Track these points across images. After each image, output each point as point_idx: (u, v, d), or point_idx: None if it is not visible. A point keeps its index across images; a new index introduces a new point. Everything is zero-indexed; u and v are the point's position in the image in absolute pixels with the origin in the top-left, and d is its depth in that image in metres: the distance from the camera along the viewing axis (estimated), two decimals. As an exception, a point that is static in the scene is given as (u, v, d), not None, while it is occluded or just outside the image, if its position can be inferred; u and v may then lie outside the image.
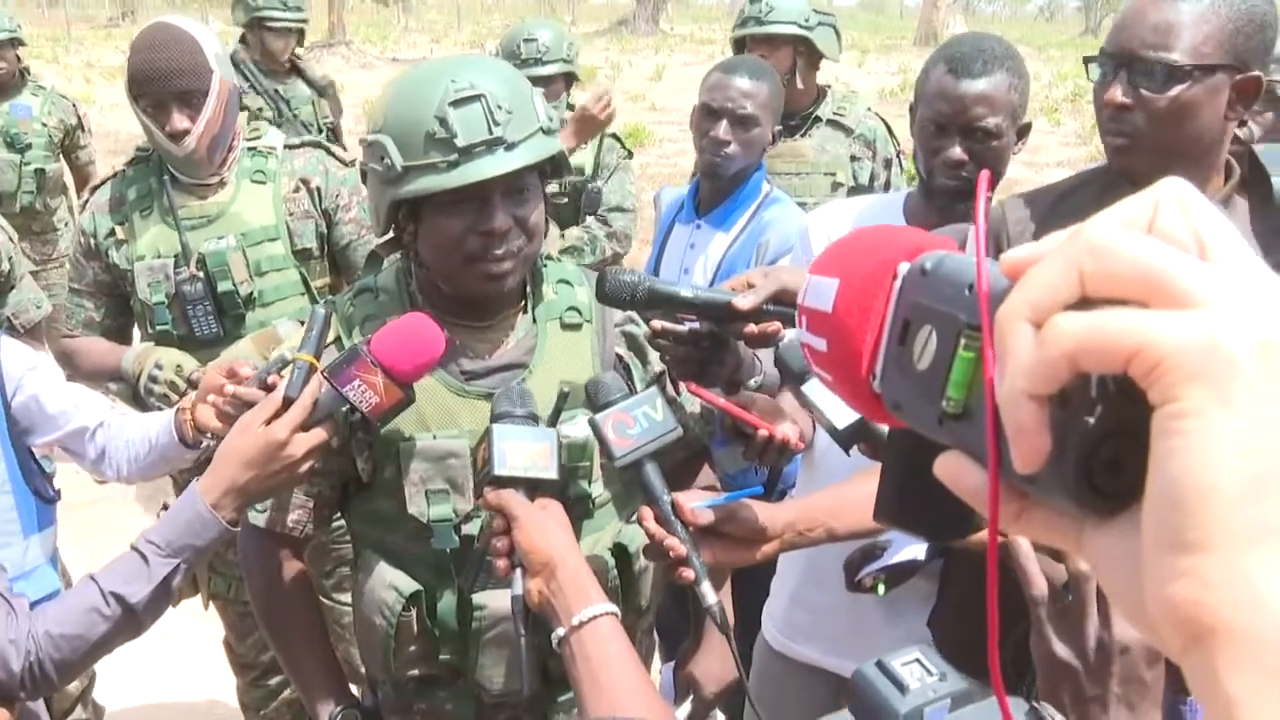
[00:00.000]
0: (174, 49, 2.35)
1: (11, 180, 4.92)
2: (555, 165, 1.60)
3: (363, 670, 1.91)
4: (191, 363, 2.39)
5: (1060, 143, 13.80)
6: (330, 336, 1.58)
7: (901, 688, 0.72)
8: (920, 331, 0.49)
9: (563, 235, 3.40)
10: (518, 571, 1.29)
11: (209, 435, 1.84)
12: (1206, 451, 0.36)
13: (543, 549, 1.26)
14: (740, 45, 3.43)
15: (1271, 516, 0.35)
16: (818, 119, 3.39)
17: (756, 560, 1.39)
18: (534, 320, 1.65)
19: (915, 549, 1.68)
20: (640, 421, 1.36)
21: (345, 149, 3.33)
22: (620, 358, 1.68)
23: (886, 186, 3.47)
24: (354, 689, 1.77)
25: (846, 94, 3.65)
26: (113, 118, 12.56)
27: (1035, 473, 0.41)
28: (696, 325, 1.53)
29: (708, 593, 1.32)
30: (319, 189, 2.58)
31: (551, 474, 1.36)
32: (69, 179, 5.28)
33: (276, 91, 4.34)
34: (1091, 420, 0.40)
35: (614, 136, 3.60)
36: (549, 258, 1.75)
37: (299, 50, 4.59)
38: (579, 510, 1.60)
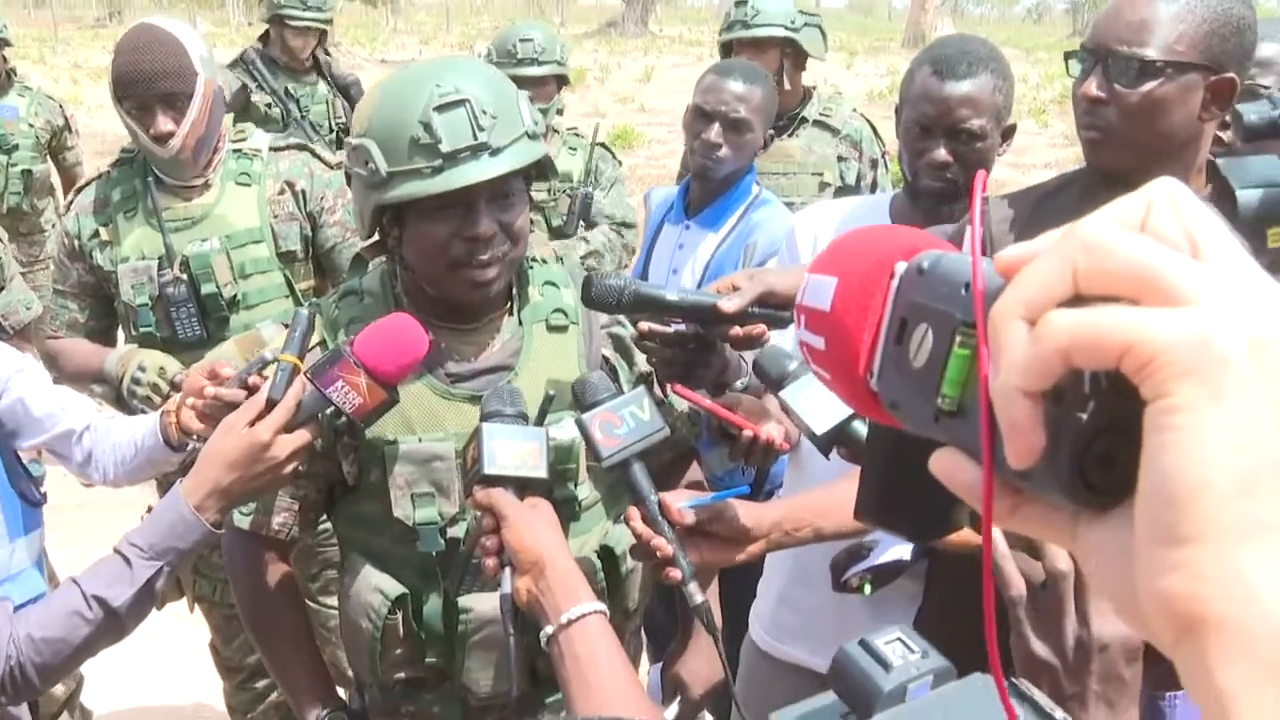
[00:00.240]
0: (158, 51, 2.34)
1: (-2, 181, 4.90)
2: (540, 169, 1.60)
3: (349, 673, 1.90)
4: (174, 365, 2.38)
5: (1047, 144, 13.85)
6: (315, 339, 1.57)
7: (885, 665, 0.73)
8: (917, 330, 0.49)
9: (585, 239, 3.41)
10: (506, 570, 1.29)
11: (194, 437, 1.83)
12: (1198, 447, 0.36)
13: (532, 548, 1.26)
14: (727, 49, 3.45)
15: (1262, 512, 0.36)
16: (804, 120, 3.41)
17: (743, 560, 1.39)
18: (520, 322, 1.65)
19: (901, 549, 1.69)
20: (627, 421, 1.36)
21: None
22: (606, 359, 1.68)
23: (873, 187, 3.48)
24: (341, 692, 1.77)
25: (832, 95, 3.67)
26: (100, 119, 12.50)
27: (1029, 468, 0.42)
28: (682, 327, 1.53)
29: (695, 592, 1.32)
30: (304, 191, 2.57)
31: (541, 473, 1.35)
32: (56, 180, 5.26)
33: (287, 90, 4.32)
34: (1085, 416, 0.40)
35: (603, 145, 3.61)
36: (535, 260, 1.75)
37: (329, 48, 4.57)
38: (566, 512, 1.60)
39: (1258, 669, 0.35)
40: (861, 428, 1.31)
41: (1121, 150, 1.57)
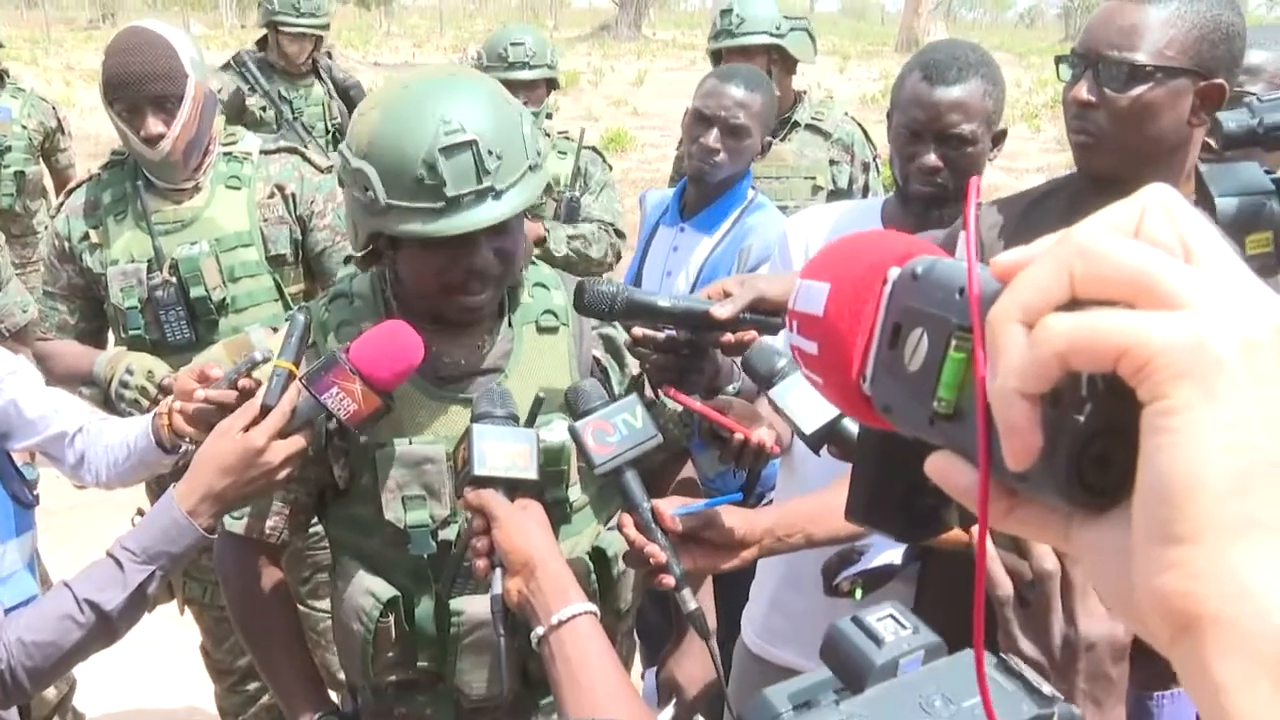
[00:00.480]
0: (148, 53, 2.34)
1: (-10, 183, 4.89)
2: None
3: (340, 676, 1.90)
4: (162, 368, 2.37)
5: (1040, 149, 13.90)
6: (307, 345, 1.57)
7: (877, 640, 0.73)
8: (911, 334, 0.50)
9: (574, 226, 3.41)
10: (497, 571, 1.29)
11: (187, 440, 1.83)
12: (1194, 447, 0.37)
13: (522, 548, 1.26)
14: (717, 57, 3.46)
15: (1256, 511, 0.37)
16: (795, 124, 3.42)
17: (736, 566, 1.39)
18: (510, 324, 1.65)
19: (892, 553, 1.69)
20: (620, 429, 1.36)
21: None
22: (597, 360, 1.68)
23: (865, 190, 3.50)
24: (332, 695, 1.76)
25: (824, 99, 3.68)
26: (92, 120, 12.48)
27: (1026, 470, 0.43)
28: (675, 332, 1.54)
29: (688, 599, 1.32)
30: (294, 195, 2.57)
31: (532, 474, 1.35)
32: (49, 182, 5.25)
33: (280, 94, 4.32)
34: (1082, 418, 0.41)
35: (592, 149, 3.61)
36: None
37: (330, 52, 4.57)
38: (557, 515, 1.60)
39: (1253, 664, 0.36)
40: (852, 426, 1.32)
41: (1111, 154, 1.58)
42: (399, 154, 1.42)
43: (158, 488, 2.48)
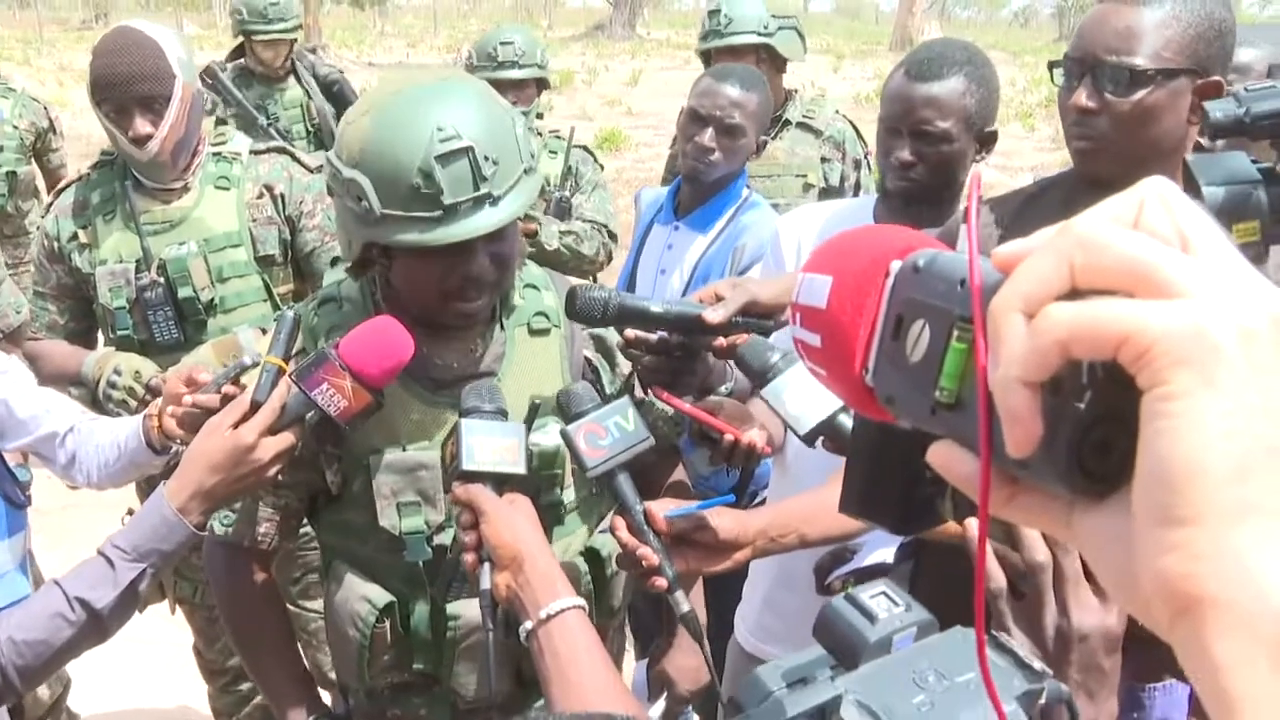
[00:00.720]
0: (136, 53, 2.33)
1: (-18, 183, 4.88)
2: None
3: (332, 676, 1.90)
4: (150, 368, 2.37)
5: (1034, 147, 13.92)
6: (295, 347, 1.56)
7: (870, 617, 0.74)
8: (913, 326, 0.50)
9: (565, 223, 3.41)
10: (485, 566, 1.29)
11: (177, 441, 1.82)
12: (1194, 432, 0.38)
13: (510, 543, 1.26)
14: (707, 59, 3.47)
15: (1255, 496, 0.37)
16: (787, 122, 3.43)
17: (729, 568, 1.39)
18: (502, 327, 1.64)
19: (884, 552, 1.69)
20: (612, 432, 1.36)
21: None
22: (589, 361, 1.67)
23: (856, 188, 3.51)
24: (323, 695, 1.76)
25: (815, 97, 3.69)
26: (85, 121, 12.44)
27: (1027, 457, 0.43)
28: (667, 335, 1.54)
29: (681, 601, 1.32)
30: (283, 195, 2.56)
31: (520, 469, 1.35)
32: (41, 183, 5.24)
33: (259, 104, 4.32)
34: (1082, 405, 0.42)
35: (584, 148, 3.61)
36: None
37: (315, 48, 4.57)
38: (551, 517, 1.60)
39: (1252, 644, 0.37)
40: (846, 420, 1.31)
41: (1113, 159, 1.57)
42: (393, 163, 1.39)
43: (148, 487, 2.47)
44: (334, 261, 2.42)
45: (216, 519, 1.64)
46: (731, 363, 1.59)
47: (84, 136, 11.74)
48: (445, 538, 1.57)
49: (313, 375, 1.41)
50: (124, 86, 2.32)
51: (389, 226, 1.42)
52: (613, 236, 3.48)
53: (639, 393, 1.69)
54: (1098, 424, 0.42)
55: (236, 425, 1.44)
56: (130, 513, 2.21)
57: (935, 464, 0.49)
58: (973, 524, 0.84)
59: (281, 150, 2.67)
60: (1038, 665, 0.73)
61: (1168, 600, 0.39)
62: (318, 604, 2.67)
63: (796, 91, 3.58)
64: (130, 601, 1.44)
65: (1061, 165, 2.97)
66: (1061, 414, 0.42)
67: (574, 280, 1.77)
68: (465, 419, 1.36)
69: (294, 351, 1.54)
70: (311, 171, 2.62)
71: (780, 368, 1.35)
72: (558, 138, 3.59)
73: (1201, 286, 0.39)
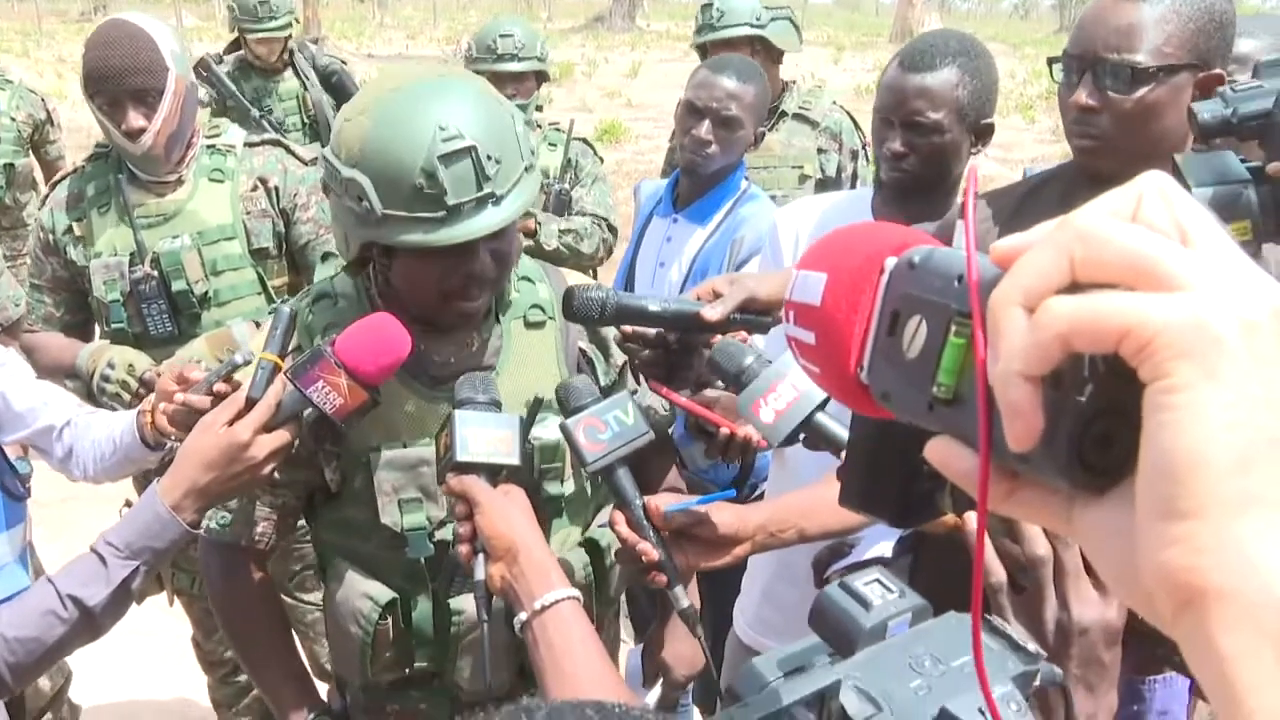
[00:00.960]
0: (128, 46, 2.32)
1: (-20, 175, 4.87)
2: None
3: (329, 667, 1.89)
4: (144, 362, 2.37)
5: (1035, 139, 13.88)
6: (291, 344, 1.55)
7: (865, 604, 0.75)
8: (910, 322, 0.50)
9: (566, 219, 3.41)
10: (480, 557, 1.28)
11: (171, 438, 1.81)
12: (1196, 424, 0.38)
13: (505, 534, 1.25)
14: (703, 52, 3.47)
15: (1256, 488, 0.38)
16: (783, 113, 3.43)
17: (728, 563, 1.39)
18: (498, 321, 1.63)
19: (882, 546, 1.69)
20: (611, 426, 1.35)
21: None
22: (583, 352, 1.67)
23: (853, 178, 3.50)
24: (321, 684, 1.75)
25: (811, 88, 3.69)
26: (83, 113, 12.39)
27: (1027, 452, 0.43)
28: (664, 331, 1.53)
29: (681, 597, 1.31)
30: (277, 188, 2.55)
31: (514, 460, 1.34)
32: (39, 174, 5.23)
33: (255, 97, 4.32)
34: (1083, 399, 0.42)
35: (583, 140, 3.60)
36: None
37: (316, 39, 4.58)
38: (550, 510, 1.60)
39: (1257, 636, 0.37)
40: (824, 419, 1.30)
41: (1116, 156, 1.56)
42: (395, 163, 1.37)
43: (145, 481, 2.47)
44: (325, 256, 2.42)
45: (212, 519, 1.63)
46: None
47: (82, 128, 11.71)
48: (447, 533, 1.57)
49: (308, 372, 1.40)
50: (117, 80, 2.31)
51: (391, 227, 1.40)
52: (613, 230, 3.48)
53: (632, 383, 1.69)
54: (1099, 417, 0.42)
55: (231, 422, 1.43)
56: (128, 504, 2.21)
57: (933, 460, 0.49)
58: (972, 518, 0.84)
59: (276, 143, 2.66)
60: (1032, 647, 0.74)
61: (1171, 593, 0.39)
62: (314, 596, 2.67)
63: (794, 83, 3.58)
64: (123, 599, 1.43)
65: (1062, 157, 2.96)
66: (1062, 408, 0.42)
67: (571, 273, 1.76)
68: (459, 410, 1.36)
69: (290, 348, 1.53)
70: (306, 164, 2.61)
71: (754, 370, 1.32)
72: (557, 130, 3.59)
73: (1202, 279, 0.39)
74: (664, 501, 1.33)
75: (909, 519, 0.65)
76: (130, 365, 2.35)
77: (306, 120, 4.45)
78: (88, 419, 1.94)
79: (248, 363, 1.53)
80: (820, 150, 3.43)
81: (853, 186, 3.47)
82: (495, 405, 1.39)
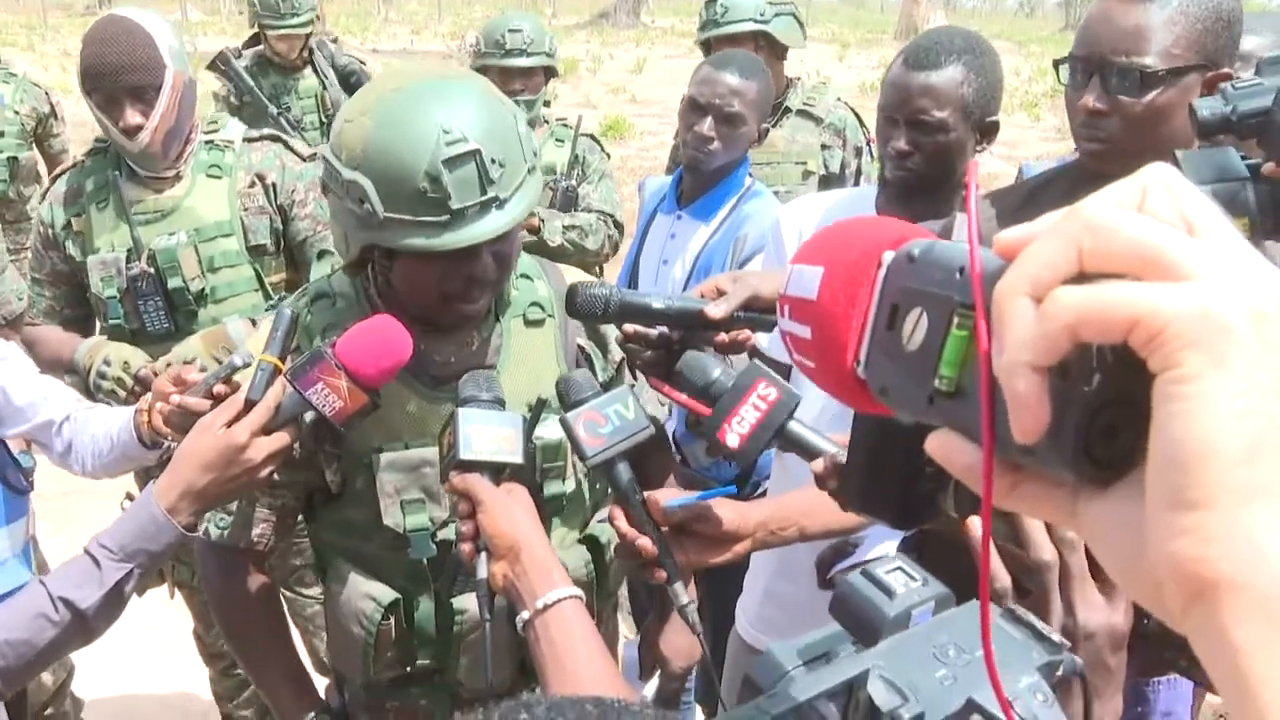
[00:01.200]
0: (125, 43, 2.31)
1: (-17, 169, 4.87)
2: None
3: (328, 662, 1.89)
4: (139, 359, 2.36)
5: (1040, 138, 13.86)
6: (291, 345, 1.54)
7: (889, 593, 0.73)
8: (910, 314, 0.50)
9: (571, 215, 3.41)
10: (482, 555, 1.28)
11: (168, 438, 1.80)
12: (1206, 414, 0.38)
13: (508, 533, 1.25)
14: (707, 49, 3.46)
15: (1266, 478, 0.37)
16: (787, 109, 3.41)
17: (729, 560, 1.38)
18: (498, 319, 1.62)
19: (886, 546, 1.68)
20: (612, 420, 1.34)
21: None
22: (581, 348, 1.66)
23: (857, 174, 3.50)
24: (321, 679, 1.75)
25: (816, 84, 3.68)
26: (88, 107, 12.42)
27: (1032, 444, 0.43)
28: (667, 329, 1.52)
29: (680, 593, 1.30)
30: (274, 184, 2.54)
31: (517, 458, 1.34)
32: (43, 168, 5.23)
33: (273, 93, 4.28)
34: (1090, 389, 0.42)
35: (590, 136, 3.60)
36: None
37: (326, 39, 4.52)
38: (553, 508, 1.59)
39: (1270, 628, 0.37)
40: (797, 428, 1.28)
41: (1126, 159, 1.55)
42: (398, 166, 1.36)
43: (146, 475, 2.47)
44: (321, 254, 2.41)
45: (211, 522, 1.61)
46: (729, 357, 1.57)
47: (86, 122, 11.72)
48: (449, 533, 1.56)
49: (308, 374, 1.38)
50: (114, 76, 2.30)
51: (393, 230, 1.39)
52: (619, 227, 3.47)
53: (629, 379, 1.69)
54: (1105, 408, 0.42)
55: (230, 424, 1.41)
56: (129, 497, 2.21)
57: (935, 455, 0.48)
58: (974, 522, 0.84)
59: (274, 138, 2.65)
60: (1056, 637, 0.73)
61: (1182, 585, 0.39)
62: (314, 591, 2.68)
63: (798, 79, 3.57)
64: (116, 602, 1.41)
65: (1065, 155, 2.96)
66: (1069, 399, 0.42)
67: (570, 269, 1.76)
68: (462, 408, 1.35)
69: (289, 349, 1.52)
70: (304, 160, 2.60)
71: (722, 383, 1.29)
72: (565, 126, 3.58)
73: (1210, 269, 0.39)
74: (664, 497, 1.32)
75: (909, 520, 0.64)
76: (126, 362, 2.35)
77: (325, 119, 4.42)
78: (87, 414, 1.94)
79: (246, 365, 1.51)
80: (824, 146, 3.42)
81: (856, 183, 3.46)
82: (499, 403, 1.38)
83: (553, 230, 3.28)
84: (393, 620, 1.59)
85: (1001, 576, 0.92)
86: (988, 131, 1.92)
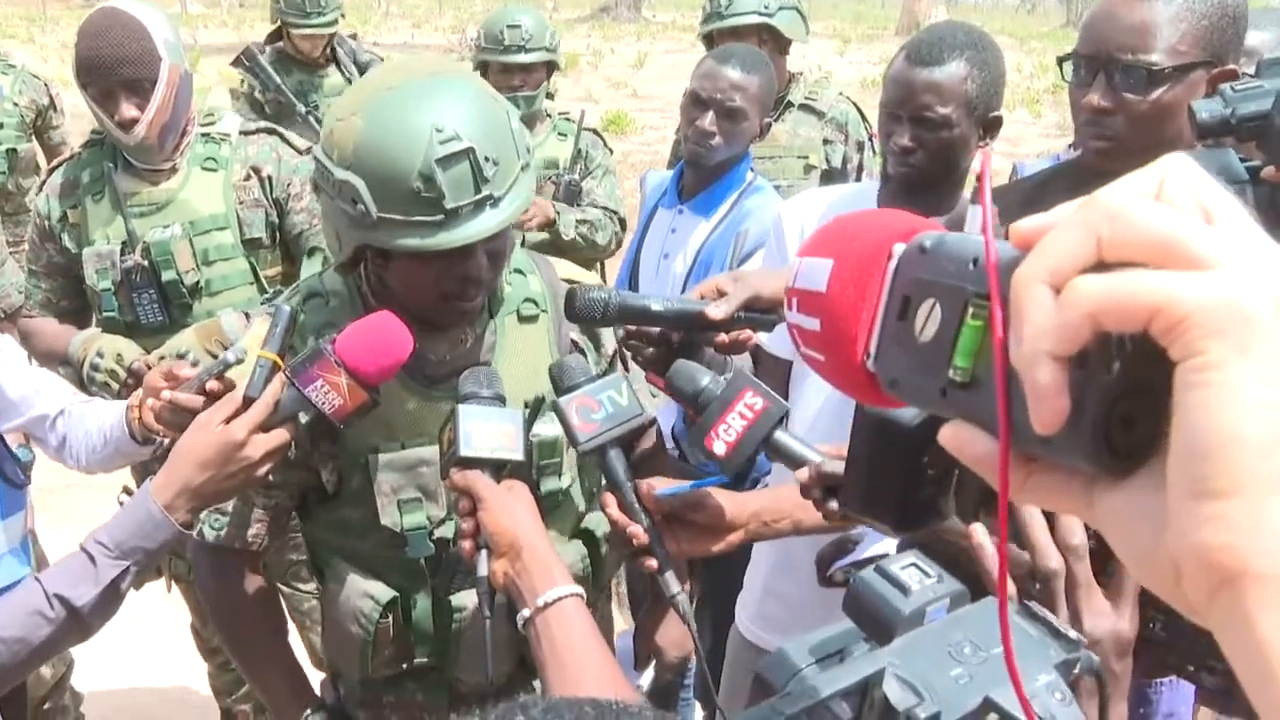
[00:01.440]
0: (120, 36, 2.30)
1: (-18, 160, 4.85)
2: None
3: (324, 658, 1.89)
4: (132, 351, 2.36)
5: (1040, 134, 13.84)
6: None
7: (904, 590, 0.73)
8: (922, 306, 0.50)
9: (583, 210, 3.40)
10: (483, 553, 1.27)
11: (159, 434, 1.79)
12: (1230, 402, 0.37)
13: (508, 530, 1.24)
14: (709, 41, 3.44)
15: None
16: (789, 104, 3.40)
17: (721, 550, 1.37)
18: (491, 316, 1.62)
19: (887, 543, 1.68)
20: (605, 406, 1.33)
21: None
22: (575, 343, 1.66)
23: (859, 169, 3.48)
24: (318, 673, 1.75)
25: (818, 79, 3.67)
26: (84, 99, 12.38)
27: (1050, 434, 0.42)
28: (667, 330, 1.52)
29: (671, 582, 1.30)
30: (270, 177, 2.54)
31: (518, 455, 1.33)
32: (43, 160, 5.21)
33: (299, 90, 4.23)
34: (1110, 378, 0.41)
35: (593, 131, 3.59)
36: None
37: (346, 35, 4.46)
38: (550, 504, 1.59)
39: None
40: (784, 438, 1.28)
41: (1129, 156, 1.54)
42: (391, 165, 1.35)
43: (144, 470, 2.47)
44: (312, 251, 2.39)
45: (206, 523, 1.60)
46: (730, 357, 1.57)
47: (86, 114, 11.69)
48: (446, 531, 1.56)
49: (307, 372, 1.37)
50: (109, 70, 2.30)
51: (386, 230, 1.38)
52: (622, 223, 3.47)
53: (621, 371, 1.69)
54: (1124, 397, 0.42)
55: (228, 421, 1.40)
56: (126, 491, 2.20)
57: (948, 446, 0.48)
58: (978, 529, 0.83)
59: (270, 131, 2.64)
60: (1073, 634, 0.72)
61: (1206, 574, 0.39)
62: (310, 585, 2.67)
63: (800, 74, 3.55)
64: (112, 599, 1.40)
65: (1059, 151, 2.95)
66: (1088, 388, 0.41)
67: (561, 262, 1.75)
68: (463, 404, 1.34)
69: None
70: (300, 153, 2.59)
71: (711, 391, 1.29)
72: (567, 120, 3.57)
73: (1231, 258, 0.39)
74: (656, 485, 1.31)
75: (910, 524, 0.64)
76: (119, 355, 2.35)
77: None
78: (82, 408, 1.93)
79: (240, 361, 1.50)
80: (826, 141, 3.41)
81: (858, 178, 3.45)
82: (499, 400, 1.37)
83: (566, 224, 3.28)
84: (391, 618, 1.59)
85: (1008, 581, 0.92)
86: (990, 127, 1.91)
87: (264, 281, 2.54)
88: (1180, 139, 1.53)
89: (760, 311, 1.49)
